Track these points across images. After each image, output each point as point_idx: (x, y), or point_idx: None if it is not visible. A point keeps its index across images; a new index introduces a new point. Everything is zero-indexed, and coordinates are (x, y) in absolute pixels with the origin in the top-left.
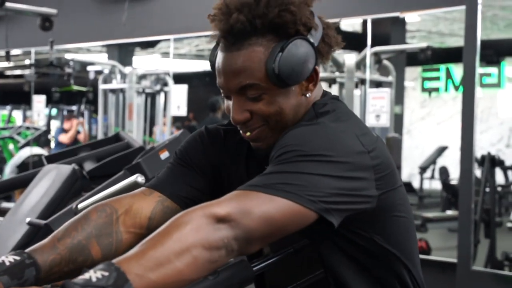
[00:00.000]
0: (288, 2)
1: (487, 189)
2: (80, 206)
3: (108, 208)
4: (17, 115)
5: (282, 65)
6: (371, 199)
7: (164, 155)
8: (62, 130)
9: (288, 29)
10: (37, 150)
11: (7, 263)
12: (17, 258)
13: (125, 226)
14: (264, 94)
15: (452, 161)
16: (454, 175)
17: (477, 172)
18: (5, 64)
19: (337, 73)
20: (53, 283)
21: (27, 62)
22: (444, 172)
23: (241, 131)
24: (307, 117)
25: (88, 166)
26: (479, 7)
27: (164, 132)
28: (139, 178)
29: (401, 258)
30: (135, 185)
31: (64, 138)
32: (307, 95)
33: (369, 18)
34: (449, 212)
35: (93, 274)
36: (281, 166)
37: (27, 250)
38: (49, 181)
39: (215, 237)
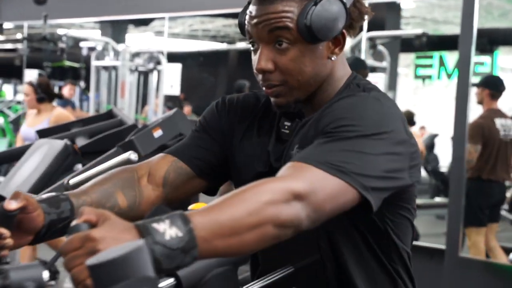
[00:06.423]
0: None
1: None
2: (71, 181)
3: (130, 169)
4: (8, 89)
5: (314, 18)
6: (405, 181)
7: (158, 133)
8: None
9: None
10: None
11: (44, 196)
12: (53, 194)
13: (145, 185)
14: (291, 46)
15: (442, 149)
16: (443, 163)
17: None
18: None
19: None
20: None
21: (19, 36)
22: (434, 159)
23: (262, 86)
24: (348, 89)
25: (81, 142)
26: None
27: (156, 112)
28: (132, 155)
29: (405, 250)
30: (127, 162)
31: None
32: (332, 58)
33: (366, 3)
34: (438, 199)
35: (168, 230)
36: (340, 142)
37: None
38: (40, 155)
39: (288, 215)
